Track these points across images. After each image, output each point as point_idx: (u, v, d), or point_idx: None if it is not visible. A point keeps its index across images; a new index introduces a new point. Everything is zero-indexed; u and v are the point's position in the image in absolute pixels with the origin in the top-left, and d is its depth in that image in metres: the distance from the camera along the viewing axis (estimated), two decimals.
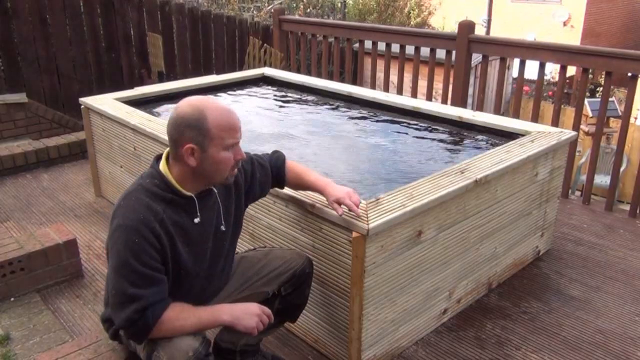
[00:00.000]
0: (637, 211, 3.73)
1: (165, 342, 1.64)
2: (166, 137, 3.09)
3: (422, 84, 4.85)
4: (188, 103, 1.71)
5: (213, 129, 1.67)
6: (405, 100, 3.70)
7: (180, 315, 1.66)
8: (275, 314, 2.03)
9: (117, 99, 3.67)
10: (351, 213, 1.99)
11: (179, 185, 1.72)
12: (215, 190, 1.83)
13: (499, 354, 2.36)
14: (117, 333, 1.89)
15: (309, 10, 11.17)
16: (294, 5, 10.99)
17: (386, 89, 4.97)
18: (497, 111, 4.26)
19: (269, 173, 2.09)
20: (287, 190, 2.21)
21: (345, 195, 1.97)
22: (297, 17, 9.18)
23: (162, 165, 1.75)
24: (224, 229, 1.87)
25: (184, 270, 1.75)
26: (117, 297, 1.63)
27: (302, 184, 2.14)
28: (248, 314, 1.74)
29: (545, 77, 10.57)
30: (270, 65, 6.12)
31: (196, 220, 1.76)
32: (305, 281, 2.06)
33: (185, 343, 1.63)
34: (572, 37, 16.03)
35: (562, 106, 4.63)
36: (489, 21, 17.36)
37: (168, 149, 1.76)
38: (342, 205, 1.97)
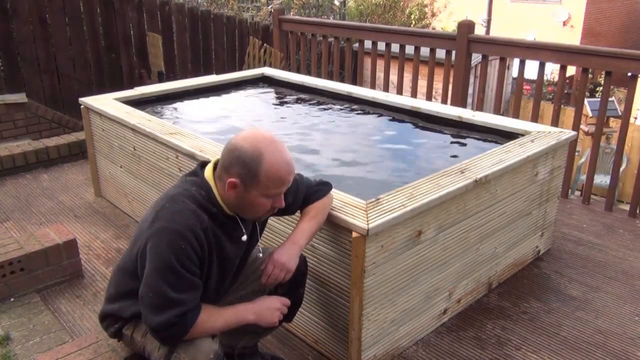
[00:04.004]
0: (637, 211, 3.73)
1: (185, 343, 1.65)
2: (165, 137, 3.09)
3: (422, 83, 4.85)
4: (250, 138, 1.66)
5: (263, 177, 1.65)
6: (405, 100, 3.70)
7: (210, 318, 1.68)
8: None
9: (117, 99, 3.66)
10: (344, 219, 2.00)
11: (223, 203, 1.72)
12: None
13: (499, 354, 2.36)
14: (118, 331, 1.88)
15: (307, 11, 11.10)
16: (292, 4, 10.93)
17: (386, 88, 4.96)
18: (497, 111, 4.27)
19: (299, 205, 2.03)
20: None
21: (277, 264, 1.84)
22: (297, 17, 9.17)
23: (209, 177, 1.73)
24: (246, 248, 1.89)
25: (210, 281, 1.76)
26: (156, 299, 1.61)
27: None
28: (270, 309, 1.79)
29: (546, 77, 10.58)
30: (270, 65, 6.11)
31: (244, 237, 1.78)
32: (300, 280, 2.06)
33: (207, 345, 1.65)
34: (572, 37, 16.05)
35: (562, 106, 4.63)
36: (488, 21, 17.38)
37: (216, 158, 1.75)
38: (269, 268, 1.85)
